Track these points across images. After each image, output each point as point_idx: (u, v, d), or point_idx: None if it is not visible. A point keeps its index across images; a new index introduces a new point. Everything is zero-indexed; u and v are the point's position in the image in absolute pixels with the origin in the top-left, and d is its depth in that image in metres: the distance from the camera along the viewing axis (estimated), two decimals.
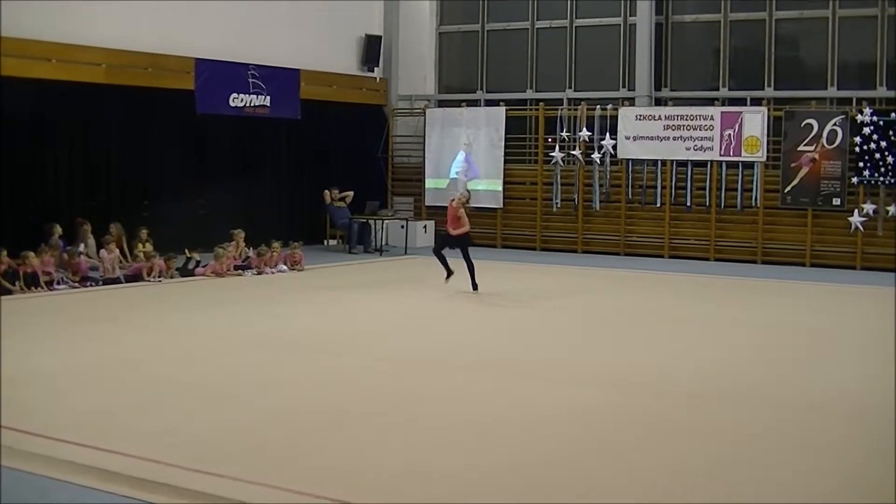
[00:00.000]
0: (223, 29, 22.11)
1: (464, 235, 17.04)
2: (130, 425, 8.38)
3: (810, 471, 7.48)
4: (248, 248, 19.46)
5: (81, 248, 17.99)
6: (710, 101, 23.19)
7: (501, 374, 10.71)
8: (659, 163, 22.89)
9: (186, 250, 18.75)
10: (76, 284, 16.79)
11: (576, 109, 23.88)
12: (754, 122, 21.89)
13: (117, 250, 17.98)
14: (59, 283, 16.60)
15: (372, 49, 26.12)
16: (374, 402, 9.37)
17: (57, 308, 14.79)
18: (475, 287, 16.72)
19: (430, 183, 25.62)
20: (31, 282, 16.04)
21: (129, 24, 20.21)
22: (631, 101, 23.85)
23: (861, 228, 20.88)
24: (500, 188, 24.75)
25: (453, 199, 17.51)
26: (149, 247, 18.63)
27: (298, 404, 9.22)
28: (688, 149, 22.51)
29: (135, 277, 17.49)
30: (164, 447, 7.71)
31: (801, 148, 21.39)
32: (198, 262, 18.52)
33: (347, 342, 12.49)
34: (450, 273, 17.05)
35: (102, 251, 17.72)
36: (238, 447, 7.83)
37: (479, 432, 8.39)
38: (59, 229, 18.09)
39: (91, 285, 17.00)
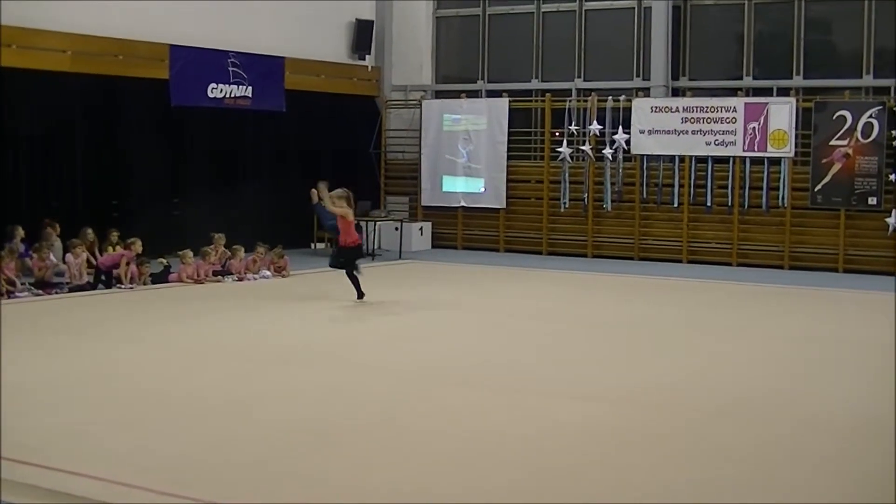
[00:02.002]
0: (201, 13, 22.06)
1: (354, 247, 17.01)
2: (99, 445, 8.30)
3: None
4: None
5: (49, 252, 17.90)
6: (732, 92, 23.10)
7: (502, 388, 10.63)
8: (676, 159, 22.83)
9: (162, 260, 18.63)
10: (39, 292, 16.69)
11: (586, 101, 23.83)
12: (781, 114, 21.81)
13: (84, 254, 17.89)
14: (20, 291, 16.50)
15: (363, 35, 26.07)
16: (364, 418, 9.29)
17: (19, 317, 14.67)
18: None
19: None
20: None
21: (97, 7, 20.15)
22: (646, 92, 23.80)
23: None
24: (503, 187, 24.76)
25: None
26: (119, 250, 18.53)
27: (283, 421, 9.13)
28: (708, 144, 22.44)
29: (109, 273, 17.44)
30: (135, 469, 7.63)
31: (833, 142, 21.33)
32: (168, 267, 18.42)
33: (336, 354, 12.43)
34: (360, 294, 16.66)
35: (68, 255, 17.62)
36: (216, 468, 7.75)
37: (477, 448, 8.32)
38: (21, 232, 18.02)
39: (56, 292, 16.90)
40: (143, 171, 21.44)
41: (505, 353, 12.61)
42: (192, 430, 8.87)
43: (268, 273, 19.24)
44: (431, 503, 7.10)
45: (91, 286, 17.41)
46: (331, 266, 17.16)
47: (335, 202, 16.62)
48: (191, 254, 18.42)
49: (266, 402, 9.90)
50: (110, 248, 18.55)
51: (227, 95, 22.57)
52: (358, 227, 23.37)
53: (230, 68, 22.54)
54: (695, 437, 8.86)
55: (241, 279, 18.73)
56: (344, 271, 16.72)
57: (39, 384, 10.58)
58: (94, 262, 18.26)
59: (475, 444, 8.50)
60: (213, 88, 22.28)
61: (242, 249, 19.25)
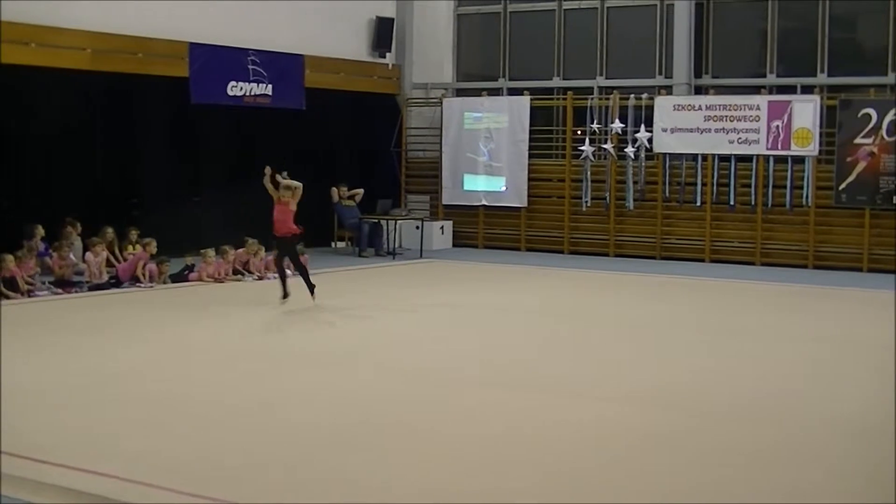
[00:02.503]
0: (220, 10, 22.06)
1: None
2: (117, 445, 8.31)
3: None
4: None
5: (69, 251, 17.94)
6: (755, 89, 22.96)
7: (523, 389, 10.62)
8: (699, 157, 22.75)
9: (187, 257, 18.66)
10: (59, 291, 16.74)
11: (607, 99, 23.77)
12: (805, 111, 21.70)
13: (104, 253, 17.93)
14: (40, 290, 16.56)
15: (383, 33, 26.05)
16: (383, 419, 9.27)
17: (39, 316, 14.73)
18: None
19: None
20: (11, 287, 15.99)
21: (116, 5, 20.17)
22: (668, 90, 23.73)
23: None
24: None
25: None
26: (139, 248, 18.55)
27: (302, 422, 9.13)
28: (731, 142, 22.35)
29: (128, 276, 17.49)
30: (153, 469, 7.64)
31: (857, 140, 21.21)
32: (191, 267, 18.44)
33: (355, 354, 12.43)
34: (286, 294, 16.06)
35: (88, 254, 17.67)
36: (235, 469, 7.75)
37: (498, 450, 8.32)
38: (41, 231, 18.06)
39: (76, 291, 16.94)
40: (162, 170, 21.46)
41: (526, 354, 12.60)
42: (211, 430, 8.88)
43: (288, 272, 19.18)
44: None
45: (111, 285, 17.45)
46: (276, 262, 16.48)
47: (281, 190, 16.04)
48: (212, 252, 18.43)
49: (285, 402, 9.91)
50: (130, 247, 18.61)
51: (247, 93, 22.57)
52: (378, 226, 23.64)
53: (250, 66, 22.54)
54: (716, 438, 8.82)
55: (261, 278, 18.72)
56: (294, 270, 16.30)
57: (57, 384, 10.61)
58: (113, 261, 18.33)
59: (495, 446, 8.48)
60: (232, 86, 22.28)
61: (263, 249, 19.22)
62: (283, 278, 16.05)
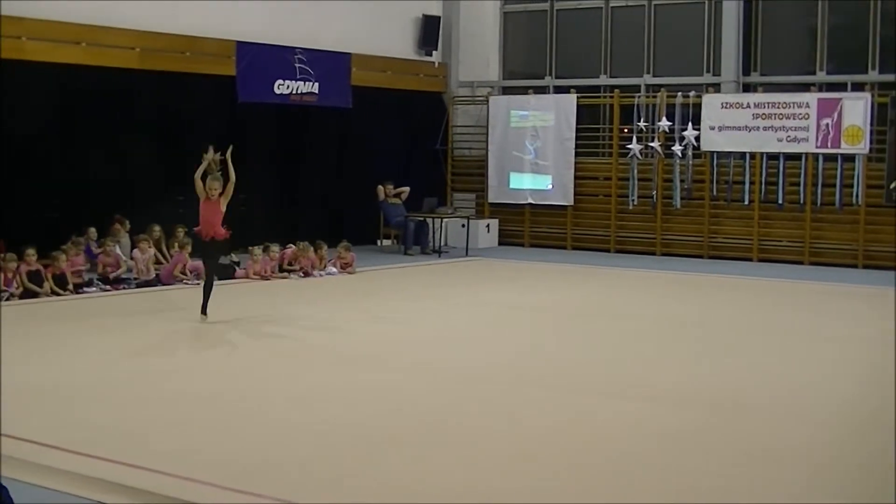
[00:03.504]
0: (267, 9, 22.19)
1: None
2: (160, 441, 8.38)
3: None
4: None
5: (116, 247, 18.10)
6: (805, 87, 22.84)
7: (564, 388, 10.61)
8: (747, 156, 22.63)
9: (232, 254, 18.78)
10: (107, 288, 16.90)
11: (655, 97, 23.70)
12: (856, 109, 21.54)
13: (151, 250, 18.08)
14: (88, 286, 16.74)
15: (430, 31, 26.10)
16: (422, 418, 9.30)
17: (86, 312, 14.86)
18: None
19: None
20: (59, 284, 16.17)
21: (165, 4, 20.32)
22: (716, 88, 23.64)
23: None
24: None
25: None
26: (188, 247, 18.67)
27: (339, 420, 9.15)
28: (780, 140, 22.22)
29: (169, 278, 17.62)
30: (191, 464, 7.70)
31: None
32: (237, 264, 18.56)
33: (398, 353, 12.44)
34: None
35: (135, 251, 17.84)
36: (271, 466, 7.79)
37: (535, 449, 8.31)
38: (93, 233, 18.25)
39: (124, 288, 17.11)
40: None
41: (569, 352, 12.57)
42: (248, 427, 8.92)
43: (334, 270, 19.29)
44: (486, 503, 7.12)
45: (158, 282, 17.59)
46: (210, 273, 14.53)
47: (209, 181, 14.05)
48: (259, 250, 18.53)
49: (323, 400, 9.92)
50: (176, 245, 18.72)
51: (294, 92, 22.67)
52: (424, 224, 23.66)
53: (297, 64, 22.64)
54: (755, 440, 8.75)
55: (307, 276, 18.81)
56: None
57: (101, 380, 10.71)
58: (161, 258, 18.47)
59: (533, 445, 8.46)
60: (279, 85, 22.39)
61: (313, 248, 19.28)
62: (206, 293, 14.14)
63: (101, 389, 10.26)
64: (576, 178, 24.68)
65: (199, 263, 17.96)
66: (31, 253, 16.06)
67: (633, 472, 7.77)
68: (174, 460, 7.76)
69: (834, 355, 12.58)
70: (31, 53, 18.40)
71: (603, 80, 25.59)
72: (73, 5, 18.81)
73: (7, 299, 15.53)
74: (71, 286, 16.36)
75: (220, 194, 14.03)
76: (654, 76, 24.90)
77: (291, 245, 19.32)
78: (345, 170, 24.37)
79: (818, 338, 13.77)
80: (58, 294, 16.05)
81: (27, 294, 15.79)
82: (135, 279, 17.49)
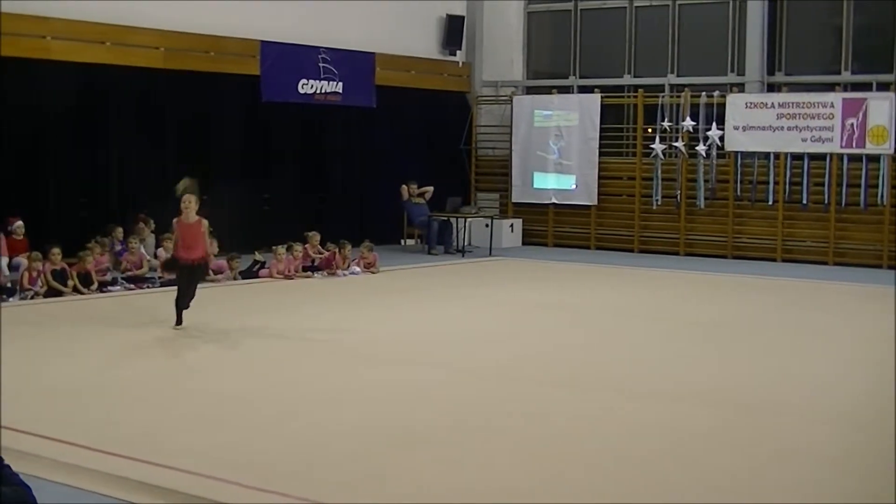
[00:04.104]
0: (291, 9, 22.21)
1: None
2: (186, 440, 8.39)
3: None
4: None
5: (140, 246, 18.15)
6: (830, 87, 22.75)
7: (590, 388, 10.58)
8: (771, 156, 22.55)
9: (255, 253, 18.82)
10: (132, 286, 16.96)
11: (679, 96, 23.64)
12: (881, 109, 21.42)
13: None
14: (113, 284, 16.81)
15: (454, 30, 26.11)
16: (454, 418, 9.28)
17: (111, 311, 14.91)
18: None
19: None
20: (84, 282, 16.24)
21: (189, 4, 20.37)
22: (740, 87, 23.58)
23: None
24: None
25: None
26: (213, 246, 18.70)
27: (370, 420, 9.15)
28: (804, 140, 22.14)
29: None
30: (224, 464, 7.71)
31: None
32: (262, 264, 18.59)
33: (423, 352, 12.44)
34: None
35: (160, 250, 17.89)
36: (305, 466, 7.79)
37: (565, 449, 8.30)
38: (119, 233, 18.31)
39: (148, 286, 17.16)
40: (232, 167, 21.62)
41: (593, 352, 12.55)
42: (280, 427, 8.93)
43: (357, 269, 19.30)
44: (520, 503, 7.11)
45: None
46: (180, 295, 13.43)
47: (183, 195, 13.18)
48: (283, 250, 18.56)
49: (353, 400, 9.93)
50: None
51: (318, 91, 22.71)
52: (448, 224, 23.70)
53: (321, 64, 22.68)
54: (781, 440, 8.73)
55: (330, 275, 18.82)
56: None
57: (124, 378, 10.75)
58: None
59: (563, 445, 8.46)
60: (303, 84, 22.43)
61: (339, 247, 19.30)
62: (180, 307, 13.35)
63: (125, 388, 10.28)
64: (600, 177, 24.65)
65: (222, 262, 18.07)
66: (56, 252, 16.13)
67: (659, 471, 7.74)
68: (201, 459, 7.77)
69: (859, 355, 12.53)
70: (56, 53, 18.50)
71: (627, 79, 25.54)
72: (98, 5, 18.88)
73: (31, 297, 15.63)
74: (95, 285, 16.44)
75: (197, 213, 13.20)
76: (678, 76, 24.83)
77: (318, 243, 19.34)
78: (368, 169, 24.38)
79: (843, 338, 13.71)
80: (82, 293, 16.12)
81: (52, 293, 15.87)
82: (159, 278, 17.53)
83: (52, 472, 7.43)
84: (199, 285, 13.77)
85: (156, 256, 17.99)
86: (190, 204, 13.10)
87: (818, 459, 8.17)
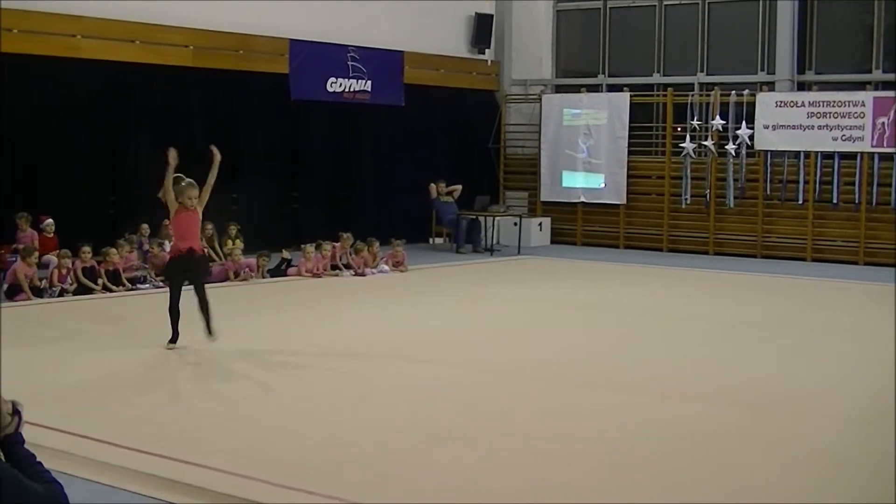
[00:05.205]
0: (320, 7, 22.27)
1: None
2: (215, 438, 8.43)
3: None
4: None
5: (168, 245, 18.22)
6: (860, 86, 22.64)
7: (619, 388, 10.55)
8: (801, 154, 22.46)
9: (283, 251, 18.87)
10: (160, 284, 17.03)
11: (708, 95, 23.56)
12: None
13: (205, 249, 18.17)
14: (142, 282, 16.89)
15: (483, 29, 26.11)
16: (479, 417, 9.30)
17: (140, 309, 14.98)
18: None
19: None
20: (113, 280, 16.32)
21: (218, 3, 20.45)
22: (770, 86, 23.46)
23: None
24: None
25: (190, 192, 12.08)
26: (239, 244, 18.77)
27: (397, 418, 9.18)
28: (835, 139, 22.04)
29: (220, 279, 17.72)
30: (252, 462, 7.74)
31: None
32: (290, 262, 18.64)
33: (452, 351, 12.44)
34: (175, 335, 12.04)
35: None
36: (331, 463, 7.84)
37: (592, 448, 8.31)
38: (146, 229, 18.39)
39: None
40: (261, 165, 21.71)
41: (623, 352, 12.52)
42: (305, 425, 8.97)
43: (386, 268, 19.32)
44: (545, 502, 7.12)
45: (212, 279, 17.69)
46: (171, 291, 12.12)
47: (184, 188, 12.06)
48: (312, 248, 18.61)
49: (380, 399, 9.95)
50: (229, 242, 18.82)
51: (346, 89, 22.75)
52: (476, 222, 23.73)
53: (349, 62, 22.72)
54: (812, 441, 8.72)
55: (358, 273, 18.85)
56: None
57: (154, 376, 10.81)
58: (214, 255, 18.55)
59: (591, 445, 8.46)
60: (332, 82, 22.48)
61: (369, 246, 19.32)
62: (177, 316, 11.99)
63: (156, 386, 10.35)
64: (628, 176, 24.61)
65: (251, 260, 18.12)
66: (86, 250, 16.23)
67: (682, 471, 7.75)
68: (230, 457, 7.81)
69: (888, 356, 12.45)
70: (86, 52, 18.61)
71: (656, 78, 25.49)
72: (128, 4, 18.99)
73: (60, 295, 15.72)
74: (125, 282, 16.52)
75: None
76: (707, 74, 24.76)
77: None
78: (397, 168, 24.41)
79: (872, 338, 13.62)
80: (111, 290, 16.21)
81: (81, 290, 15.97)
82: None
83: (82, 469, 7.48)
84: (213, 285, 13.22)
85: None
86: (190, 190, 11.93)
87: (842, 460, 8.15)
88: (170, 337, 11.95)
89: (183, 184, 12.05)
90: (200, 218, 12.14)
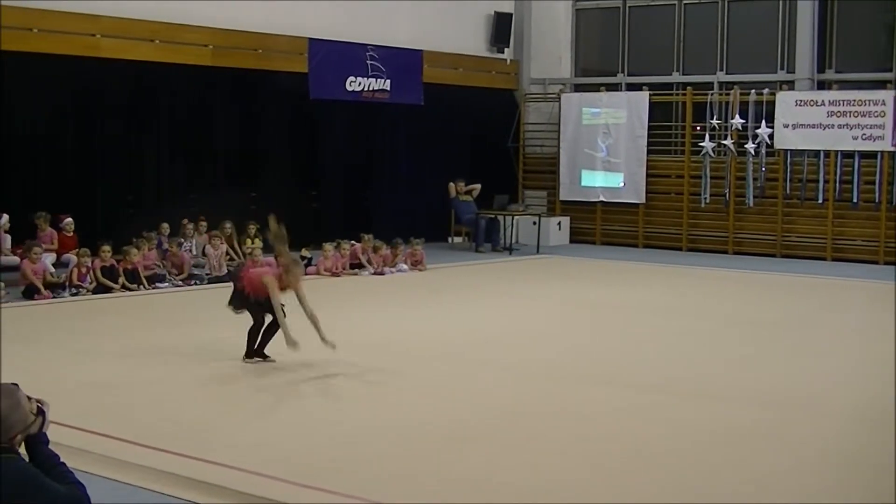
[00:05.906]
0: (339, 6, 22.30)
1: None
2: (235, 437, 8.47)
3: None
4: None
5: (188, 244, 18.27)
6: (881, 84, 22.57)
7: (638, 387, 10.58)
8: (821, 154, 22.41)
9: (302, 250, 18.90)
10: (180, 283, 17.11)
11: (728, 94, 23.53)
12: None
13: (224, 246, 18.24)
14: (161, 281, 16.95)
15: (502, 28, 26.11)
16: (496, 416, 9.32)
17: (159, 308, 15.04)
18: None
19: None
20: (133, 279, 16.39)
21: (237, 2, 20.50)
22: (790, 85, 23.40)
23: None
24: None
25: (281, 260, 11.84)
26: (258, 243, 18.80)
27: (414, 417, 9.21)
28: (855, 138, 21.99)
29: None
30: (270, 461, 7.78)
31: None
32: (309, 260, 18.69)
33: (470, 350, 12.47)
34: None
35: (207, 247, 18.02)
36: (349, 463, 7.87)
37: (609, 448, 8.32)
38: (166, 228, 18.44)
39: (196, 283, 17.29)
40: (280, 164, 21.77)
41: (641, 352, 12.52)
42: (323, 424, 9.01)
43: (405, 267, 19.36)
44: (567, 502, 7.14)
45: (229, 278, 17.73)
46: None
47: (291, 265, 11.74)
48: (331, 247, 18.65)
49: (399, 397, 10.00)
50: (248, 241, 18.87)
51: (366, 89, 22.78)
52: (495, 221, 23.70)
53: (368, 61, 22.74)
54: (829, 442, 8.72)
55: (377, 272, 18.88)
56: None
57: (172, 375, 10.85)
58: (233, 254, 18.61)
59: (607, 444, 8.47)
60: (351, 82, 22.50)
61: (390, 246, 19.36)
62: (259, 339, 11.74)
63: (174, 385, 10.38)
64: (648, 175, 24.59)
65: (270, 259, 18.13)
66: (106, 250, 16.29)
67: (701, 470, 7.77)
68: (249, 456, 7.86)
69: None
70: (106, 51, 18.68)
71: (675, 77, 25.46)
72: (148, 4, 19.05)
73: (80, 294, 15.79)
74: (144, 282, 16.58)
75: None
76: (727, 73, 24.72)
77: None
78: (416, 167, 24.43)
79: (893, 338, 13.61)
80: (130, 289, 16.27)
81: (101, 289, 16.03)
82: (207, 275, 17.68)
83: (102, 467, 7.53)
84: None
85: (204, 254, 18.13)
86: (296, 269, 11.73)
87: (857, 460, 8.15)
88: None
89: (292, 263, 11.78)
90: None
